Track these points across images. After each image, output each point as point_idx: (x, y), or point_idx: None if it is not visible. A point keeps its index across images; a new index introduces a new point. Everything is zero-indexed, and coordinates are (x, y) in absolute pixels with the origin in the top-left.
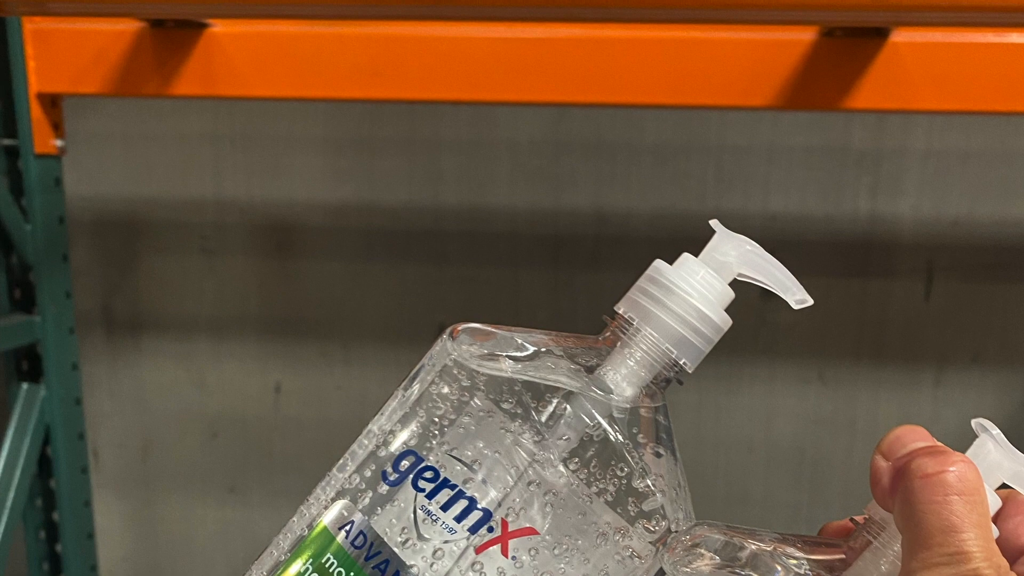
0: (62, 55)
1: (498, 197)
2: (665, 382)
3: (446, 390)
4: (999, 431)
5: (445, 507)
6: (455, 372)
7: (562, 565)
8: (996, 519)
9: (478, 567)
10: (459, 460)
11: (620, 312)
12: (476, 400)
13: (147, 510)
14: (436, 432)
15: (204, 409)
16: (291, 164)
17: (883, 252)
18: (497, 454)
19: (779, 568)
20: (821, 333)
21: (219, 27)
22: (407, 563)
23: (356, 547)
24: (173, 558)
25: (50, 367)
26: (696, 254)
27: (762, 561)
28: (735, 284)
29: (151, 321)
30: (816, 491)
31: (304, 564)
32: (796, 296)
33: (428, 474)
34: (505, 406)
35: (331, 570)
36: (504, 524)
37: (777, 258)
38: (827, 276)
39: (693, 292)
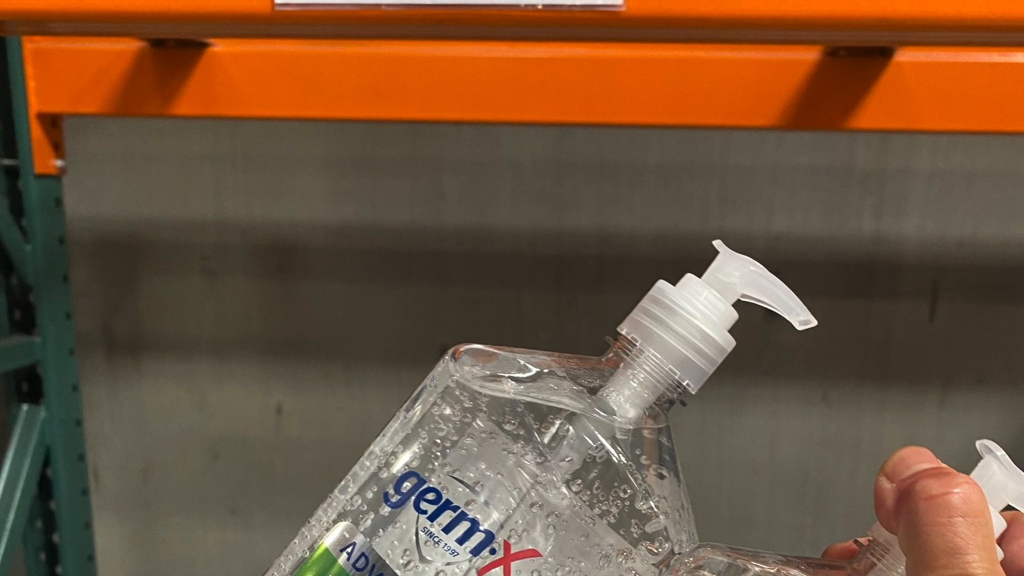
0: (62, 75)
1: (501, 217)
2: (668, 403)
3: (448, 411)
4: (1004, 452)
5: (447, 529)
6: (457, 393)
7: None
8: (1001, 541)
9: None
10: (461, 482)
11: (623, 333)
12: (478, 421)
13: (148, 532)
14: (438, 453)
15: (205, 430)
16: (292, 184)
17: (887, 273)
18: (499, 476)
19: None
20: (825, 354)
21: (220, 47)
22: None
23: (358, 569)
24: None
25: (50, 388)
26: (700, 275)
27: None
28: (739, 305)
29: (152, 342)
30: (820, 513)
31: None
32: (800, 317)
33: (430, 496)
34: (507, 427)
35: None
36: (507, 546)
37: (781, 278)
38: (831, 297)
39: (696, 313)
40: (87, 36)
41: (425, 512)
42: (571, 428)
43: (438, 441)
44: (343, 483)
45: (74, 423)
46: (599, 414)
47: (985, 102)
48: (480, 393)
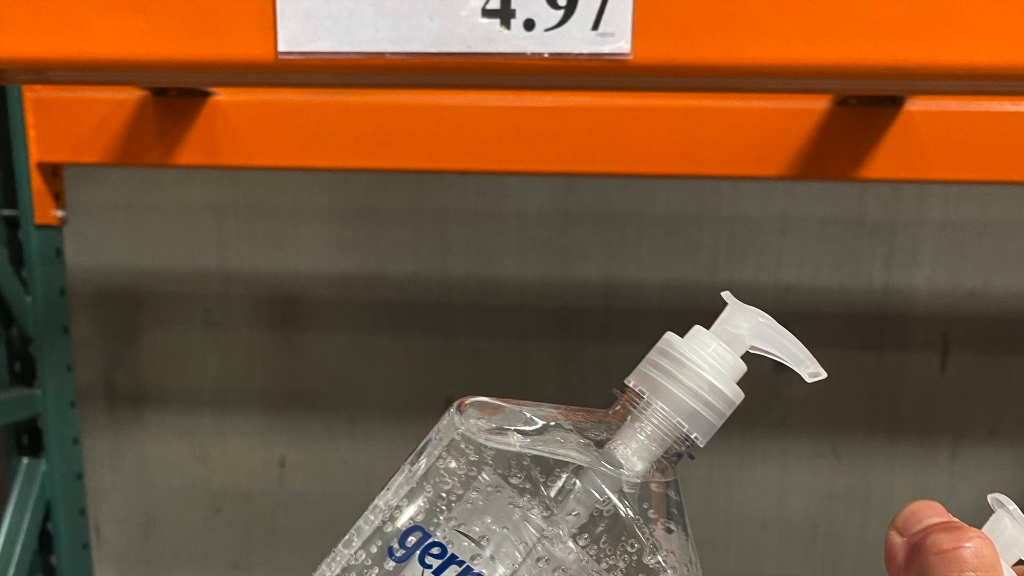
0: (63, 124)
1: (506, 268)
2: (676, 456)
3: (453, 465)
4: (1016, 506)
5: None
6: (463, 446)
7: None
8: None
9: None
10: (467, 536)
11: (630, 385)
12: (484, 475)
13: None
14: (443, 507)
15: (207, 484)
16: (296, 235)
17: (898, 324)
18: (505, 530)
19: None
20: (835, 407)
21: (223, 96)
22: None
23: None
24: None
25: (51, 441)
26: (708, 326)
27: None
28: (747, 357)
29: (153, 395)
30: (830, 567)
31: None
32: (809, 369)
33: (435, 550)
34: (513, 481)
35: None
36: None
37: (790, 330)
38: (841, 349)
39: (705, 365)
40: (88, 85)
41: (430, 567)
42: (578, 481)
43: (443, 495)
44: (347, 537)
45: (75, 476)
46: (606, 467)
47: (997, 151)
48: (486, 446)
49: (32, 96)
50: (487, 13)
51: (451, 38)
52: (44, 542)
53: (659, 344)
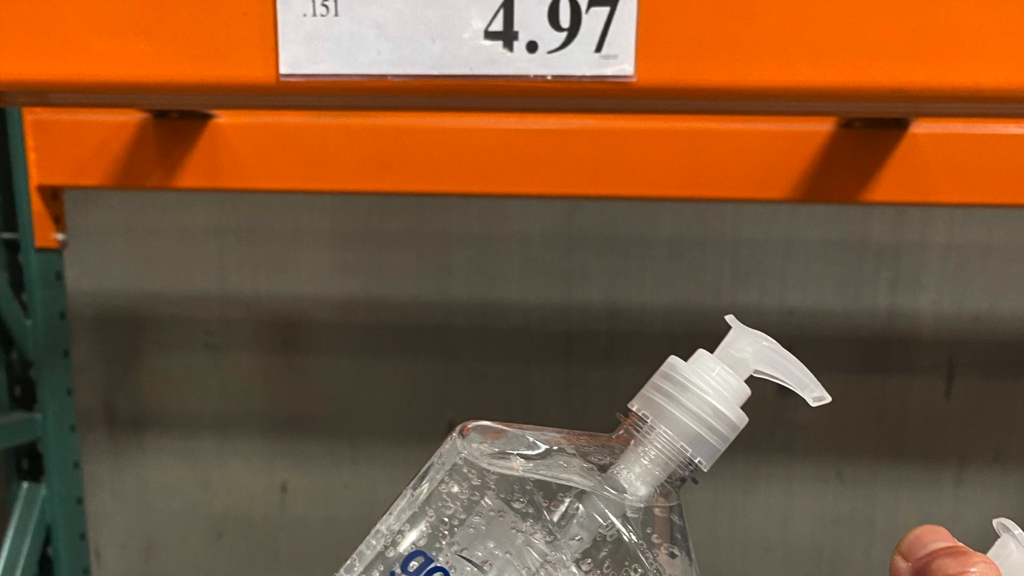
0: (63, 147)
1: (509, 292)
2: (680, 481)
3: (456, 489)
4: (1021, 531)
5: None
6: (465, 471)
7: None
8: None
9: None
10: (469, 561)
11: (634, 409)
12: (487, 499)
13: None
14: (446, 532)
15: (209, 509)
16: (297, 258)
17: (903, 348)
18: (508, 555)
19: None
20: (839, 431)
21: (224, 118)
22: None
23: None
24: None
25: (51, 466)
26: (712, 350)
27: None
28: (751, 381)
29: (154, 419)
30: None
31: None
32: (814, 393)
33: (438, 575)
34: (516, 505)
35: None
36: None
37: (794, 354)
38: (846, 373)
39: (708, 389)
40: (89, 107)
41: None
42: (581, 506)
43: (446, 519)
44: (349, 562)
45: (75, 501)
46: (609, 492)
47: (1002, 174)
48: (488, 471)
49: (32, 118)
50: (490, 35)
51: (454, 60)
52: (44, 567)
53: (662, 368)
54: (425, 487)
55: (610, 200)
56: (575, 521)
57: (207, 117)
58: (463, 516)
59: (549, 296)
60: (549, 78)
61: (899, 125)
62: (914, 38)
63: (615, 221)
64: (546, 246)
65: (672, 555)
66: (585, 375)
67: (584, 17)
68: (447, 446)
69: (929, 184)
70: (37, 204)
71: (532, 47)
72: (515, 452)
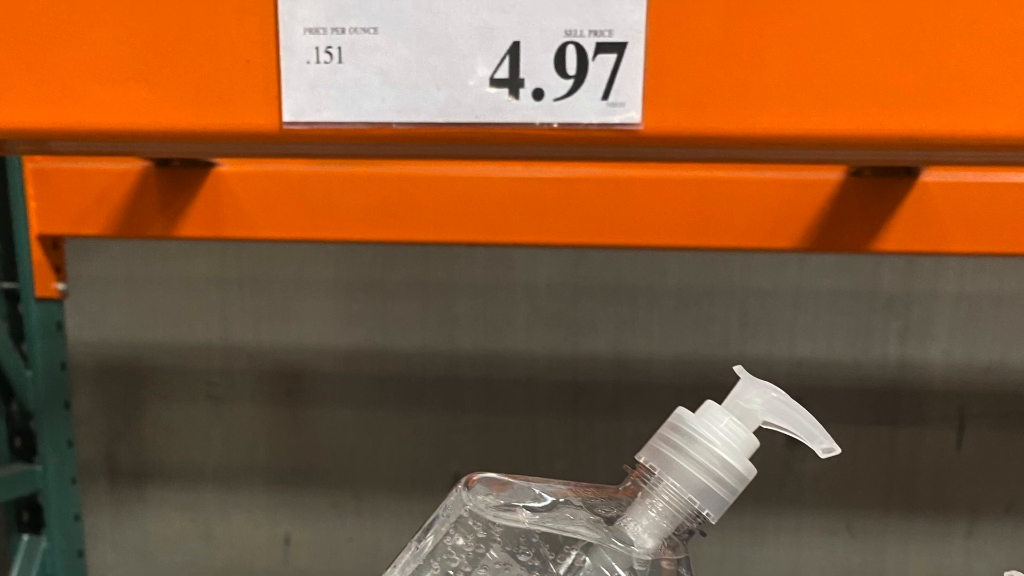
0: (64, 196)
1: (515, 342)
2: (688, 533)
3: (461, 542)
4: None
5: None
6: (470, 523)
7: None
8: None
9: None
10: None
11: (641, 461)
12: (492, 552)
13: None
14: None
15: (211, 562)
16: (301, 308)
17: (913, 399)
18: None
19: None
20: (849, 483)
21: (226, 167)
22: None
23: None
24: None
25: (51, 518)
26: (720, 401)
27: None
28: (760, 432)
29: (156, 471)
30: None
31: None
32: (823, 445)
33: None
34: (522, 558)
35: None
36: None
37: (804, 405)
38: (855, 424)
39: (717, 441)
40: (90, 156)
41: None
42: (588, 559)
43: (451, 572)
44: None
45: (76, 554)
46: (616, 545)
47: (1014, 223)
48: (494, 523)
49: (32, 167)
50: (495, 83)
51: (459, 108)
52: None
53: (670, 419)
54: (430, 540)
55: (617, 249)
56: (582, 574)
57: (209, 165)
58: (468, 569)
59: (555, 346)
60: (555, 126)
61: (909, 173)
62: (925, 86)
63: (622, 271)
64: (552, 296)
65: None
66: (592, 426)
67: (591, 64)
68: (452, 498)
69: (940, 233)
70: (37, 253)
71: (538, 95)
72: (521, 504)
